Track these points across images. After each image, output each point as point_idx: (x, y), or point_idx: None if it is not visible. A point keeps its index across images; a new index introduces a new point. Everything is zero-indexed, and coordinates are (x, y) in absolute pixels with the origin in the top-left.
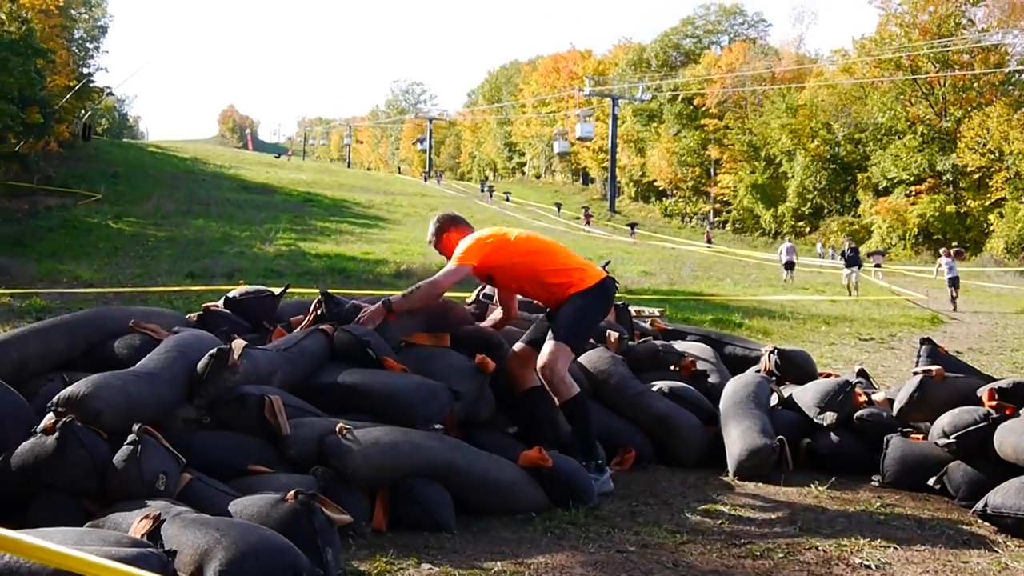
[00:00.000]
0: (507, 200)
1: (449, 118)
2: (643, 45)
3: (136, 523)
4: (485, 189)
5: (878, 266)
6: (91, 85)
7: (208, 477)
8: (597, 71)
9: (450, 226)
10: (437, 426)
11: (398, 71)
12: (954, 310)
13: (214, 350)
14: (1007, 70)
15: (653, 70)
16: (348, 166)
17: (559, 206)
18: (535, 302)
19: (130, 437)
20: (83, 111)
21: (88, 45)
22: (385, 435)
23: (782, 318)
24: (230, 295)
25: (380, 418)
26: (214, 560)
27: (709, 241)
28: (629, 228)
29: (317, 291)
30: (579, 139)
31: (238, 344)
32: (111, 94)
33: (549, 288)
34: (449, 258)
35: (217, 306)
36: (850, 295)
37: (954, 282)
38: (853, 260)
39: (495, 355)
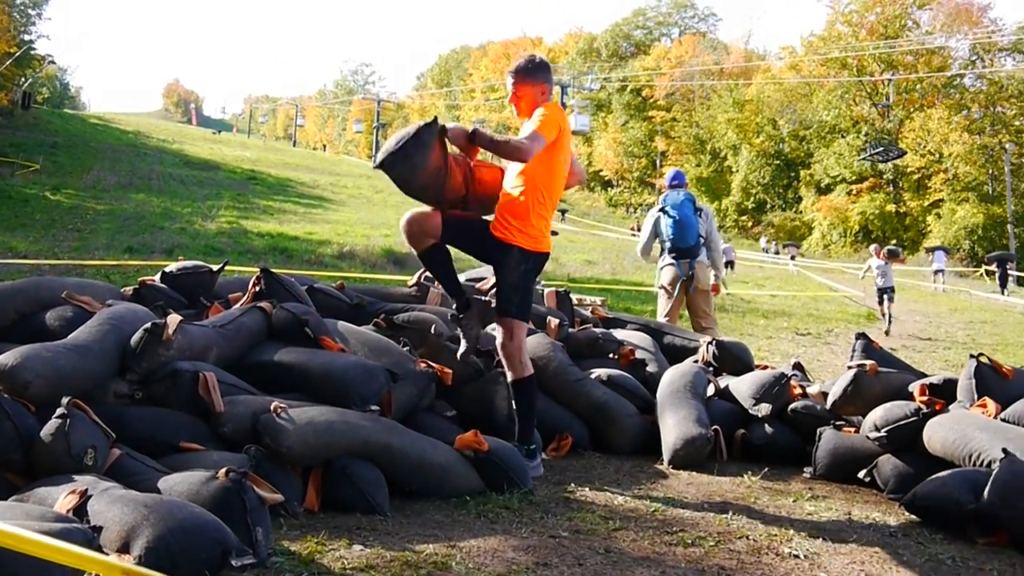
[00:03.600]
0: None
1: (397, 100)
2: (594, 35)
3: (62, 498)
4: None
5: (793, 257)
6: (32, 52)
7: (138, 453)
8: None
9: (542, 77)
10: (373, 407)
11: (347, 51)
12: (887, 333)
13: (148, 324)
14: (949, 73)
15: (603, 60)
16: (294, 145)
17: None
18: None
19: (59, 410)
20: (23, 79)
21: (30, 11)
22: (320, 415)
23: (722, 311)
24: (167, 270)
25: (316, 398)
26: (141, 537)
27: (634, 230)
28: (560, 214)
29: (258, 270)
30: (573, 132)
31: (173, 319)
32: (52, 62)
33: (517, 209)
34: (519, 108)
35: (153, 280)
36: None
37: (888, 293)
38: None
39: (435, 343)
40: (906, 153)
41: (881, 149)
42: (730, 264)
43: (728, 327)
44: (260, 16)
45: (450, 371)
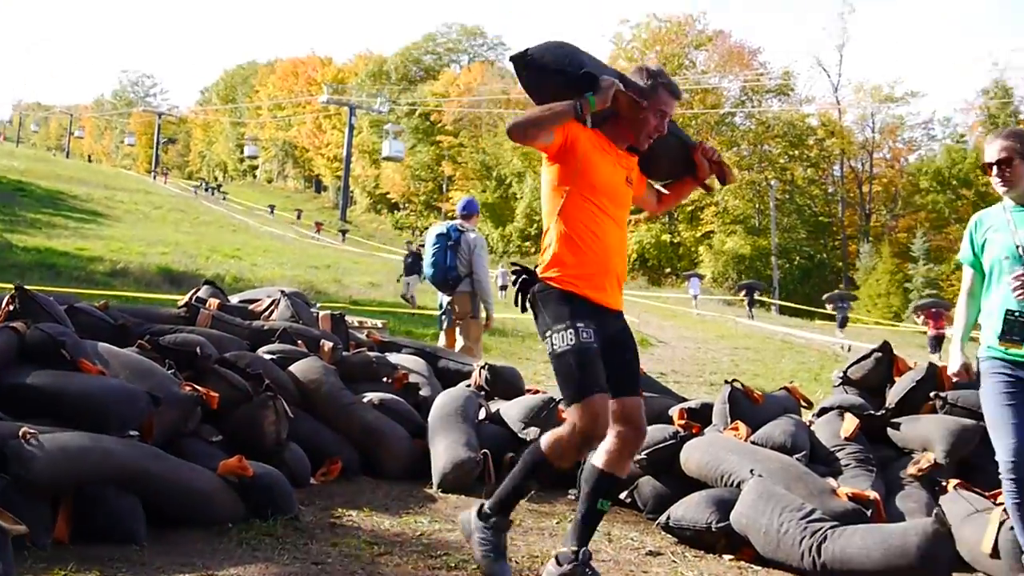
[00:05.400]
0: (224, 199)
1: (180, 114)
2: (384, 57)
3: None
4: (208, 189)
5: None
6: None
7: None
8: (336, 79)
9: None
10: (132, 432)
11: (127, 61)
12: None
13: None
14: (722, 111)
15: (392, 83)
16: (67, 156)
17: (272, 208)
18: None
19: None
20: None
21: None
22: (73, 440)
23: (502, 335)
24: None
25: (73, 423)
26: None
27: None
28: (340, 234)
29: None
30: (385, 158)
31: None
32: None
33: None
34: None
35: None
36: (411, 306)
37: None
38: (413, 267)
39: (202, 366)
40: None
41: None
42: (503, 288)
43: (507, 351)
44: (30, 18)
45: (216, 395)
